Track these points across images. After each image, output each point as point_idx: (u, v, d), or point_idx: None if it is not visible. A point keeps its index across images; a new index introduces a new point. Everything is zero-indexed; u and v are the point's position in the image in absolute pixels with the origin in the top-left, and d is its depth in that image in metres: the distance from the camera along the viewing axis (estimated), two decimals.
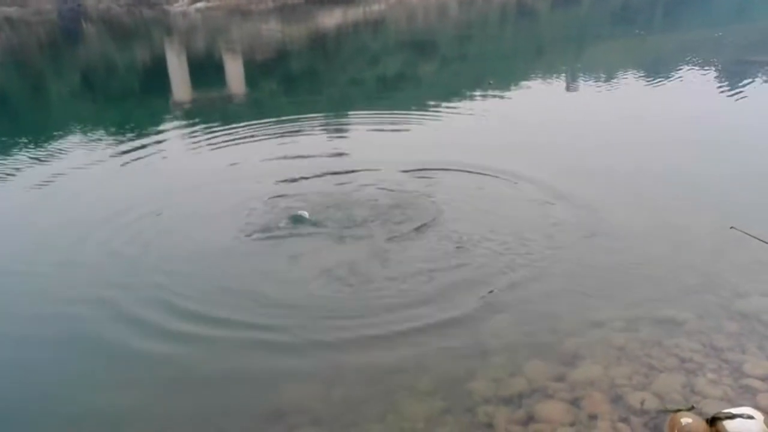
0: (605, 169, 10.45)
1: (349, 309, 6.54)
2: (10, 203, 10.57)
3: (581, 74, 21.47)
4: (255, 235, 8.29)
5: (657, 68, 21.12)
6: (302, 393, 5.39)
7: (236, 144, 13.48)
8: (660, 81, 18.80)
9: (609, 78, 20.05)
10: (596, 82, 20.00)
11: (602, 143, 12.28)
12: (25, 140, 14.89)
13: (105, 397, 5.48)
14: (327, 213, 8.82)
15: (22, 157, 13.19)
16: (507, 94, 18.47)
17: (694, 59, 21.26)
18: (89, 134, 15.60)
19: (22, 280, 7.69)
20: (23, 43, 35.31)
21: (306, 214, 8.55)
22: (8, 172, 12.11)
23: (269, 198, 9.55)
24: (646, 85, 18.79)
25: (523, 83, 20.29)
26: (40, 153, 13.45)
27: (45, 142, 14.53)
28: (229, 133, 14.43)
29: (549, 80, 20.99)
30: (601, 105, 16.73)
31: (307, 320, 6.38)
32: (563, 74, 22.19)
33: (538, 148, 11.90)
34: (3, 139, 15.42)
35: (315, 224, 8.50)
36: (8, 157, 13.20)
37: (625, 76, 19.92)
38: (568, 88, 19.67)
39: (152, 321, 6.46)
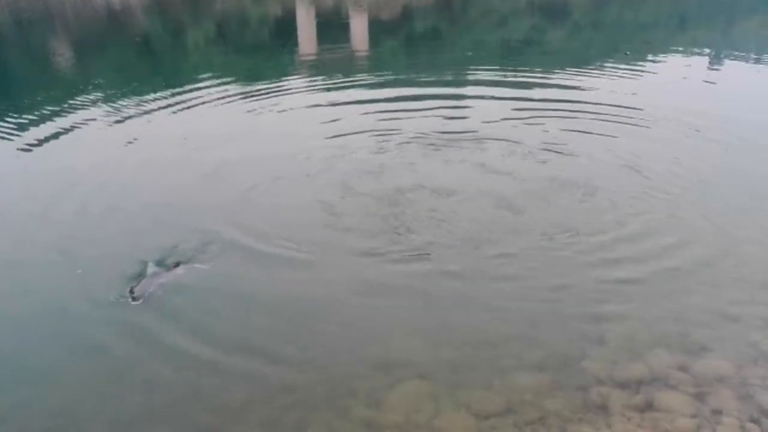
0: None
1: (463, 271, 6.47)
2: (150, 138, 11.33)
3: (728, 50, 19.66)
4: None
5: None
6: (410, 348, 5.40)
7: (354, 99, 13.61)
8: None
9: (760, 55, 18.21)
10: (745, 59, 18.23)
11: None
12: (163, 83, 15.84)
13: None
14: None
15: (160, 98, 14.06)
16: (645, 66, 17.25)
17: None
18: (219, 82, 16.33)
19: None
20: None
21: None
22: (146, 110, 12.99)
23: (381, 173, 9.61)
24: None
25: (662, 56, 18.90)
26: (176, 97, 14.25)
27: (180, 86, 15.39)
28: (349, 89, 14.63)
29: (691, 55, 19.40)
30: (748, 84, 15.26)
31: (417, 278, 6.39)
32: (707, 49, 20.44)
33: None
34: (143, 81, 16.52)
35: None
36: (147, 98, 14.13)
37: None
38: (710, 65, 18.10)
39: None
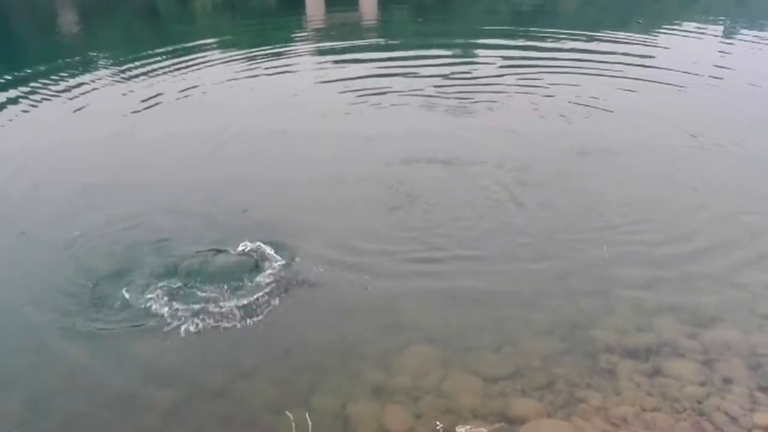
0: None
1: (468, 239, 6.46)
2: (155, 108, 11.26)
3: (743, 21, 19.32)
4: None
5: None
6: (419, 314, 5.42)
7: (360, 65, 13.47)
8: None
9: None
10: (760, 31, 17.89)
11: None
12: (169, 48, 15.69)
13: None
14: None
15: (165, 65, 13.94)
16: (657, 37, 16.96)
17: None
18: (224, 47, 16.18)
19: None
20: None
21: None
22: (152, 79, 12.88)
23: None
24: None
25: (676, 26, 18.59)
26: (181, 63, 14.12)
27: (185, 51, 15.25)
28: (356, 55, 14.49)
29: (705, 25, 19.06)
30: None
31: (426, 245, 6.38)
32: (722, 20, 20.08)
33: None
34: (149, 46, 16.34)
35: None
36: (152, 63, 14.01)
37: None
38: (725, 35, 17.78)
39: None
